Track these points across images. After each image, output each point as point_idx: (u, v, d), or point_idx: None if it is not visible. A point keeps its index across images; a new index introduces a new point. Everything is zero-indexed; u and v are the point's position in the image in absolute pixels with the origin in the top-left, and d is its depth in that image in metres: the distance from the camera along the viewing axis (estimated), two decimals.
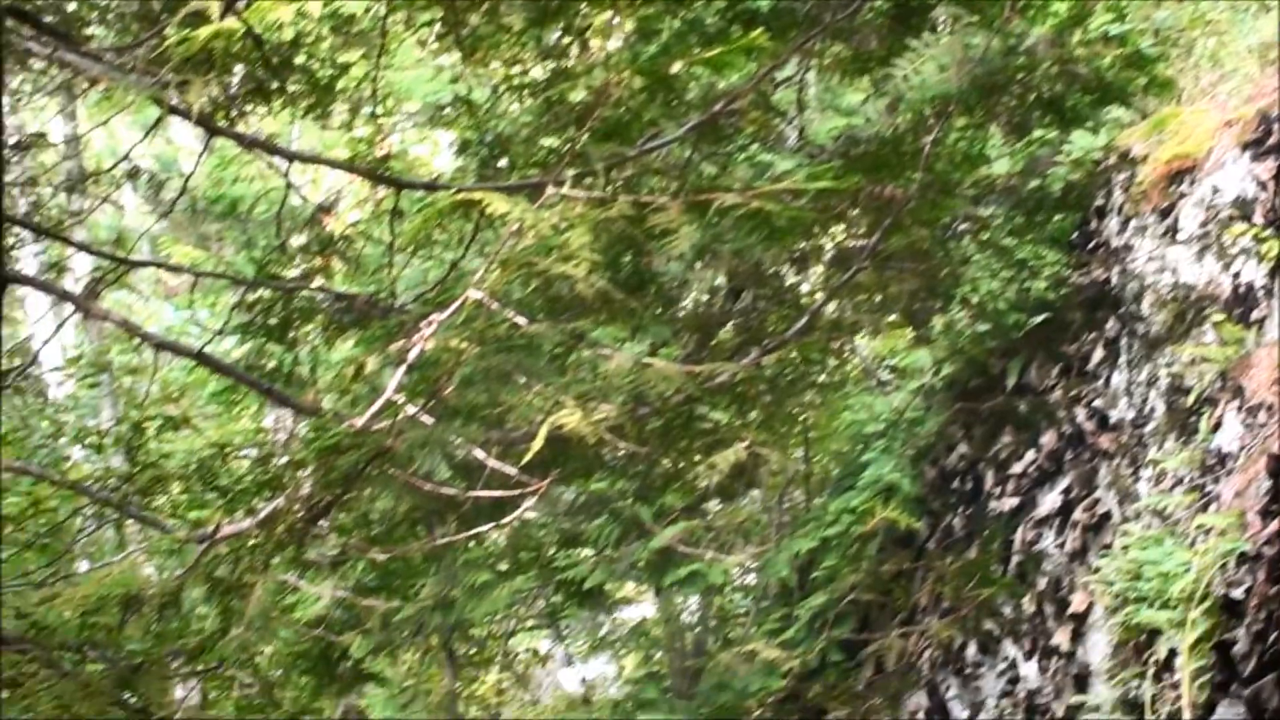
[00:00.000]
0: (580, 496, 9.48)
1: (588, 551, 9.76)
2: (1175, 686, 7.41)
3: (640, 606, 12.99)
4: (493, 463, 4.57)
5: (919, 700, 9.63)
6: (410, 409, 4.20)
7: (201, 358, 5.79)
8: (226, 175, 11.83)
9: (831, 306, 6.30)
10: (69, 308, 8.86)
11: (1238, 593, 6.85)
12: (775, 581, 10.15)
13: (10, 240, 6.84)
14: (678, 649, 11.82)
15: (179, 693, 7.34)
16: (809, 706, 9.70)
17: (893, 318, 9.61)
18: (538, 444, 4.22)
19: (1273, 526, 6.66)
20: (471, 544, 7.94)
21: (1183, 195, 8.70)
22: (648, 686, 11.62)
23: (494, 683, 12.82)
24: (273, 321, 5.88)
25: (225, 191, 11.89)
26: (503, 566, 9.36)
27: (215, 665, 5.97)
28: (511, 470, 4.55)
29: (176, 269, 9.46)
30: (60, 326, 11.06)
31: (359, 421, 4.24)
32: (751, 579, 11.69)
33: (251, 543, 4.71)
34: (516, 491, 4.77)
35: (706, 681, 10.38)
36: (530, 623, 12.48)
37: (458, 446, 4.53)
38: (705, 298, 6.89)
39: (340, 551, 5.67)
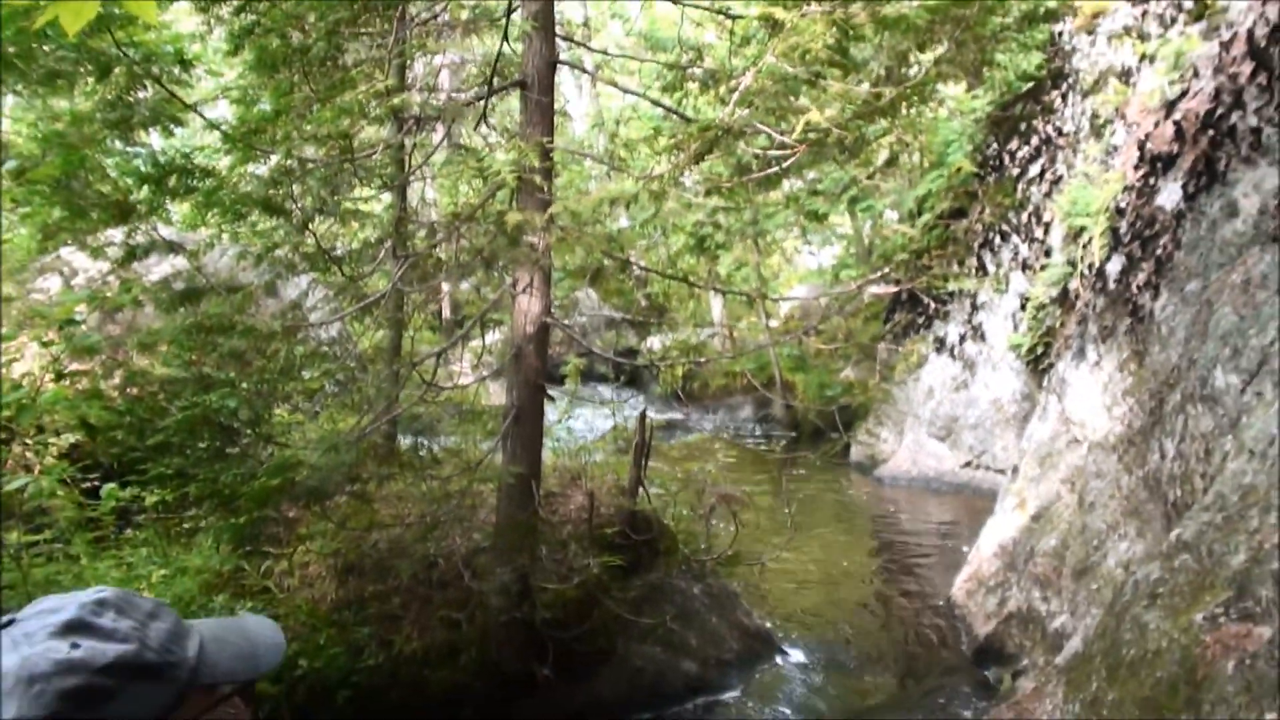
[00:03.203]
0: (819, 176, 16.35)
1: (819, 200, 16.24)
2: (1088, 252, 11.29)
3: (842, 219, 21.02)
4: (782, 136, 7.02)
5: (971, 262, 16.71)
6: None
7: None
8: None
9: (933, 68, 7.44)
10: None
11: (1122, 205, 9.52)
12: (905, 210, 17.69)
13: None
14: (861, 244, 20.64)
15: None
16: (919, 256, 17.08)
17: (962, 81, 16.72)
18: (798, 134, 6.78)
19: (1135, 177, 9.25)
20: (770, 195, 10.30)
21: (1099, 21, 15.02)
22: (847, 258, 20.61)
23: (775, 261, 21.47)
24: None
25: None
26: (779, 203, 14.57)
27: None
28: (790, 138, 6.94)
29: None
30: None
31: None
32: (892, 213, 19.66)
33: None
34: (787, 164, 7.40)
35: (877, 249, 19.06)
36: (794, 231, 20.13)
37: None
38: (880, 70, 7.60)
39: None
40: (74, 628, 1.14)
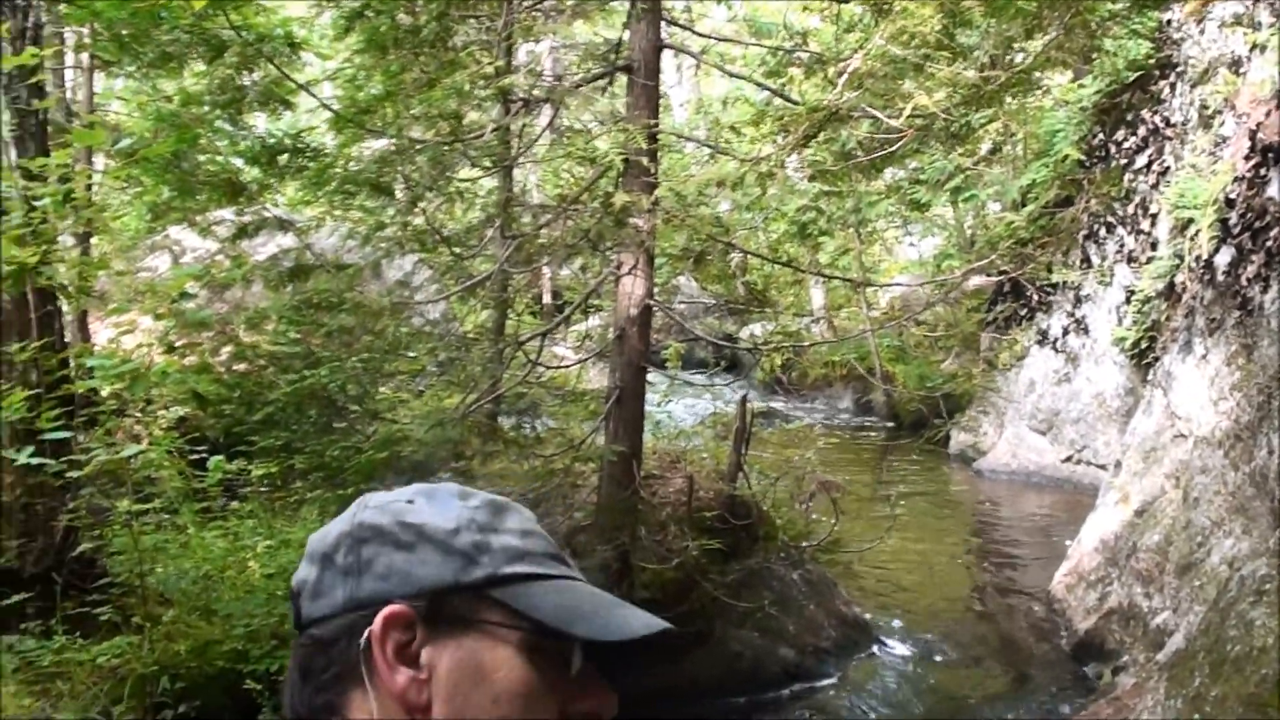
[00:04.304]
0: (921, 166, 16.09)
1: (920, 187, 16.37)
2: (1196, 244, 10.21)
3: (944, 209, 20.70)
4: (890, 120, 7.11)
5: (1075, 253, 16.34)
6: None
7: None
8: None
9: (1041, 54, 7.54)
10: None
11: (1231, 196, 9.15)
12: (1008, 199, 17.29)
13: None
14: (962, 234, 20.48)
15: None
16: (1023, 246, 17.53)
17: (1068, 71, 16.31)
18: (905, 119, 6.90)
19: (1245, 167, 8.93)
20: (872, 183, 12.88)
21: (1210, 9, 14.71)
22: (948, 248, 20.44)
23: (875, 251, 21.41)
24: None
25: None
26: (882, 193, 15.28)
27: None
28: (897, 122, 6.99)
29: None
30: None
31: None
32: (995, 204, 19.04)
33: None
34: (897, 146, 7.61)
35: (979, 239, 19.07)
36: (895, 221, 20.16)
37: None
38: (985, 57, 7.61)
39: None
40: (426, 493, 1.22)
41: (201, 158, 10.02)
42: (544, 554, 1.24)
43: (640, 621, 1.24)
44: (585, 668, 1.22)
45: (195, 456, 8.40)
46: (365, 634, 1.12)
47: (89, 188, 11.24)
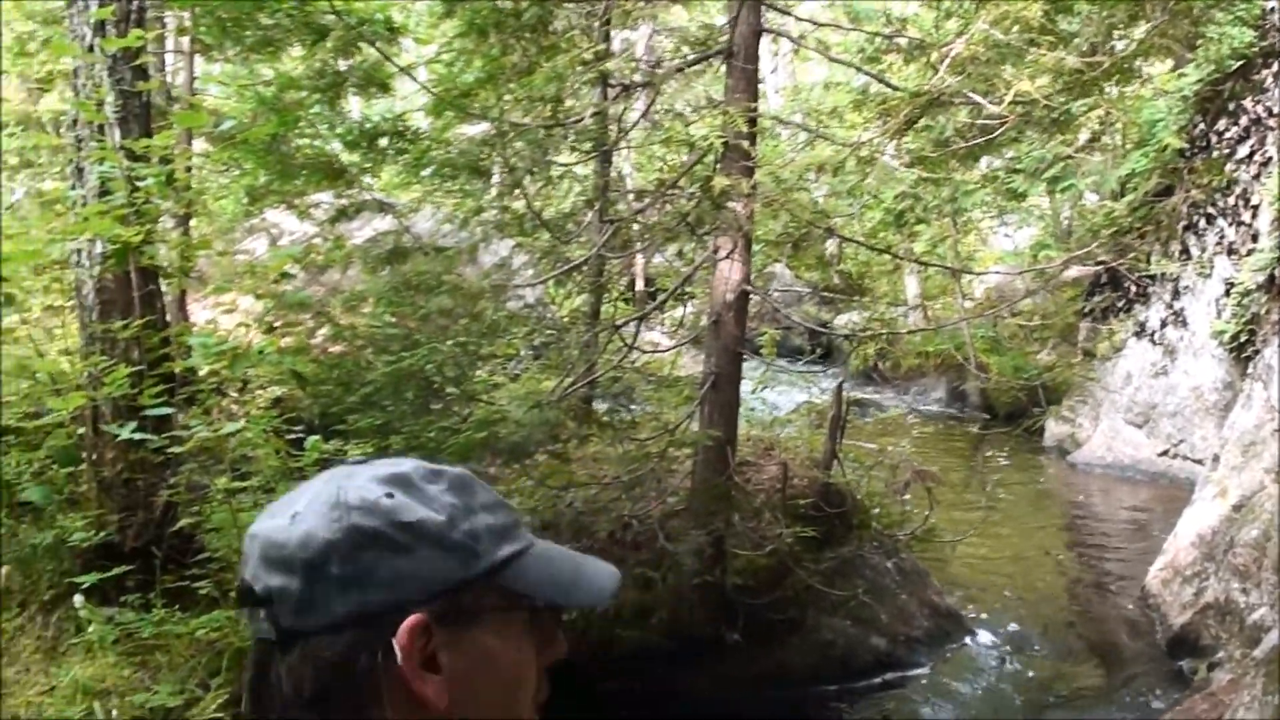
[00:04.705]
0: (1018, 155, 17.02)
1: (1017, 177, 15.89)
2: None
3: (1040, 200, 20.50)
4: (991, 106, 7.08)
5: (1174, 245, 16.09)
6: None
7: None
8: None
9: (1143, 41, 7.59)
10: None
11: None
12: (1106, 189, 17.21)
13: None
14: (1059, 225, 20.28)
15: None
16: (1121, 235, 15.75)
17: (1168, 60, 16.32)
18: (1006, 104, 6.88)
19: None
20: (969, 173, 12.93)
21: None
22: (1045, 239, 20.22)
23: (970, 241, 21.34)
24: None
25: None
26: (979, 179, 14.16)
27: None
28: (999, 108, 7.05)
29: None
30: None
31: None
32: (1092, 195, 19.06)
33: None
34: (997, 133, 7.46)
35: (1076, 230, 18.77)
36: (991, 211, 19.83)
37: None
38: (1085, 44, 7.61)
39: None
40: (398, 481, 1.17)
41: (300, 141, 10.17)
42: (514, 524, 1.25)
43: (608, 577, 1.30)
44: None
45: (292, 436, 8.48)
46: (383, 647, 1.12)
47: (188, 170, 11.39)
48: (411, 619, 1.12)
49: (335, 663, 1.12)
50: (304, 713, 1.13)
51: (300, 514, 1.14)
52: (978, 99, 7.18)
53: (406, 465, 1.21)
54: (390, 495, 1.15)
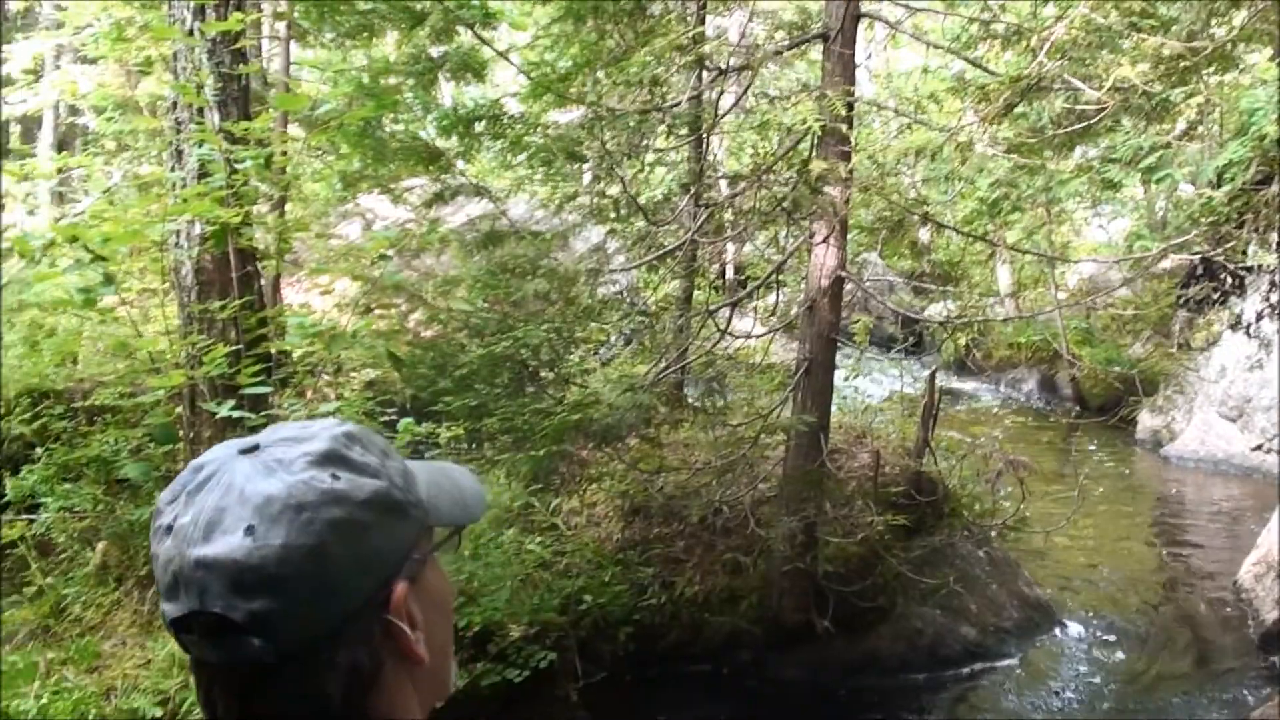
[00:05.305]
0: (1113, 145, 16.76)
1: (1112, 166, 16.75)
2: None
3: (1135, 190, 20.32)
4: (1091, 92, 6.91)
5: (1272, 236, 15.92)
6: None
7: None
8: None
9: (1245, 27, 7.32)
10: None
11: None
12: (1203, 179, 16.49)
13: None
14: (1153, 215, 19.96)
15: None
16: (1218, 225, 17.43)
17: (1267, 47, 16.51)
18: (1106, 90, 6.78)
19: None
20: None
21: None
22: (1141, 227, 19.93)
23: (1064, 232, 21.00)
24: None
25: None
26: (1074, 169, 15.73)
27: None
28: (1096, 92, 6.85)
29: None
30: None
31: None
32: (1188, 185, 18.48)
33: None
34: (1095, 119, 7.30)
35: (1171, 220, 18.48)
36: (1085, 202, 19.48)
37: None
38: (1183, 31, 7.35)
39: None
40: (331, 459, 1.13)
41: (395, 126, 10.27)
42: (402, 459, 1.24)
43: (472, 478, 1.33)
44: None
45: (385, 418, 8.60)
46: (382, 627, 1.13)
47: (284, 154, 11.55)
48: (398, 589, 1.13)
49: (352, 662, 1.11)
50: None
51: (256, 527, 1.07)
52: (1077, 84, 7.10)
53: (320, 437, 1.17)
54: (336, 477, 1.12)
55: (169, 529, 1.11)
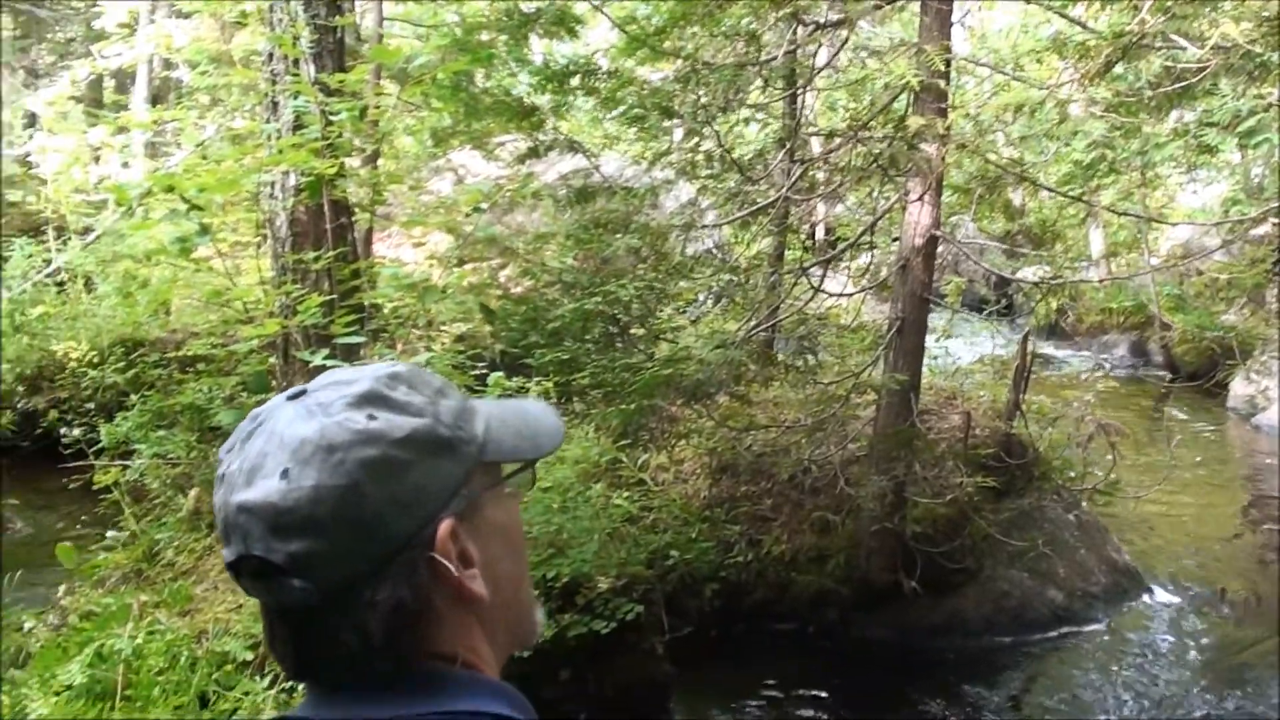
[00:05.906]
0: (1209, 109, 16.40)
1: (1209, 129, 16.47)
2: None
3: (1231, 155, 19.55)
4: (1194, 49, 6.74)
5: None
6: None
7: None
8: None
9: None
10: None
11: None
12: None
13: None
14: (1249, 181, 19.60)
15: None
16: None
17: None
18: (1208, 49, 6.60)
19: None
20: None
21: None
22: (1238, 193, 19.47)
23: (1158, 196, 20.58)
24: None
25: None
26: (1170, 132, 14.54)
27: None
28: (1199, 49, 6.68)
29: None
30: None
31: None
32: None
33: None
34: (1196, 79, 7.09)
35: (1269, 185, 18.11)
36: (1180, 167, 19.31)
37: None
38: None
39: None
40: (370, 399, 1.14)
41: (488, 82, 10.31)
42: (463, 397, 1.25)
43: (549, 410, 1.35)
44: None
45: (476, 372, 8.67)
46: (427, 565, 1.13)
47: (378, 108, 11.64)
48: (443, 527, 1.14)
49: (395, 601, 1.11)
50: (379, 660, 1.13)
51: (291, 469, 1.09)
52: (1181, 40, 6.98)
53: (364, 379, 1.18)
54: (372, 417, 1.13)
55: (222, 477, 1.14)
